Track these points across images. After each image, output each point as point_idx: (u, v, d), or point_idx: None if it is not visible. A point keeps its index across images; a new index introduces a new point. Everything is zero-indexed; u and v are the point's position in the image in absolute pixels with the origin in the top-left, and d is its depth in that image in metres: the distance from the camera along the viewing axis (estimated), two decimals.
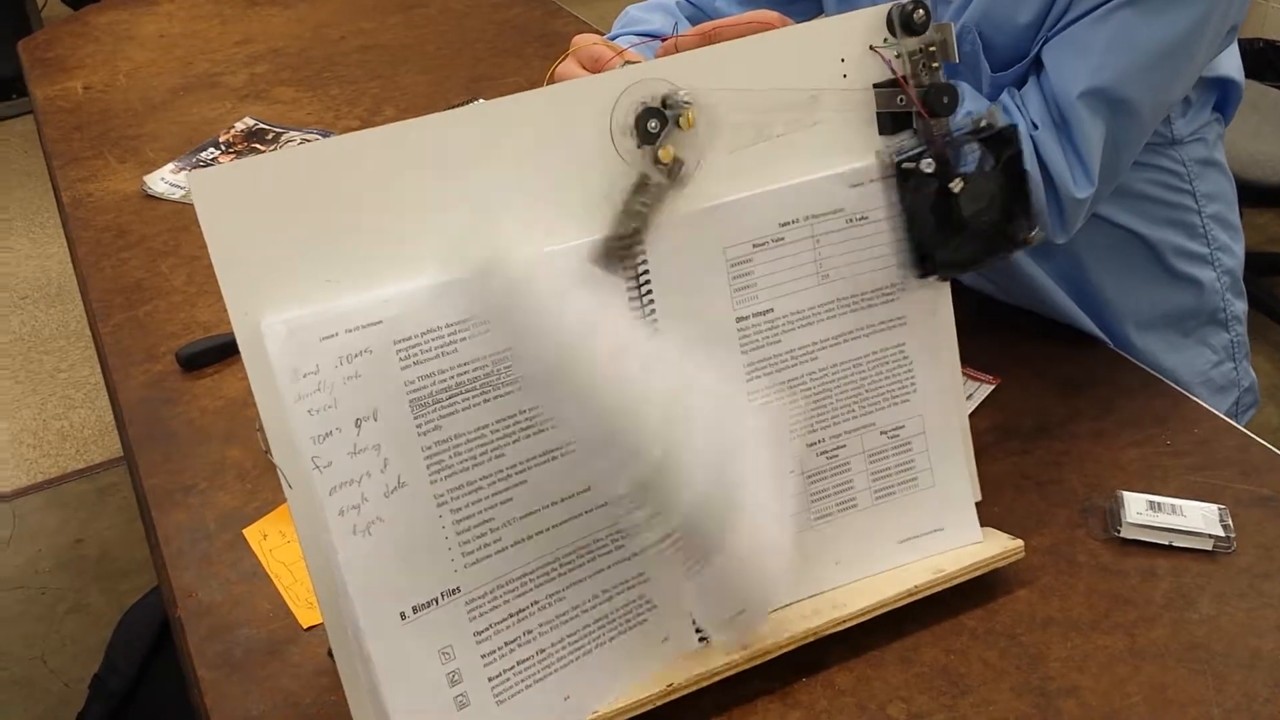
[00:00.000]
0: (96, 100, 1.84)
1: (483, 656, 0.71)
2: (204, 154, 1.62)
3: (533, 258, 0.71)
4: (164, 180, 1.55)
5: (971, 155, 0.79)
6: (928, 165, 0.78)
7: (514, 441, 0.72)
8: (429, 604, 0.69)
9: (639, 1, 1.25)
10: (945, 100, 0.78)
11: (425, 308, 0.69)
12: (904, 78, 0.79)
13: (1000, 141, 0.79)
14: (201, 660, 0.86)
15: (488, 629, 0.71)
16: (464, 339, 0.69)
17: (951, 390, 0.86)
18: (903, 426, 0.85)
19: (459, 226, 0.71)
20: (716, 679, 0.79)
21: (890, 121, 0.80)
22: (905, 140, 0.80)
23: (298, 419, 0.65)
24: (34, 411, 2.70)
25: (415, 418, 0.68)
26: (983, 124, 0.79)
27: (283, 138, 1.66)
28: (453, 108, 1.52)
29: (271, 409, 0.66)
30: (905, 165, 0.78)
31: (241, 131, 1.67)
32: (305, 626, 0.88)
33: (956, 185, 0.77)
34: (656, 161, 0.74)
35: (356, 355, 0.66)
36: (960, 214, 0.78)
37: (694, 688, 0.78)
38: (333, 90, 1.82)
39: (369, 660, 0.68)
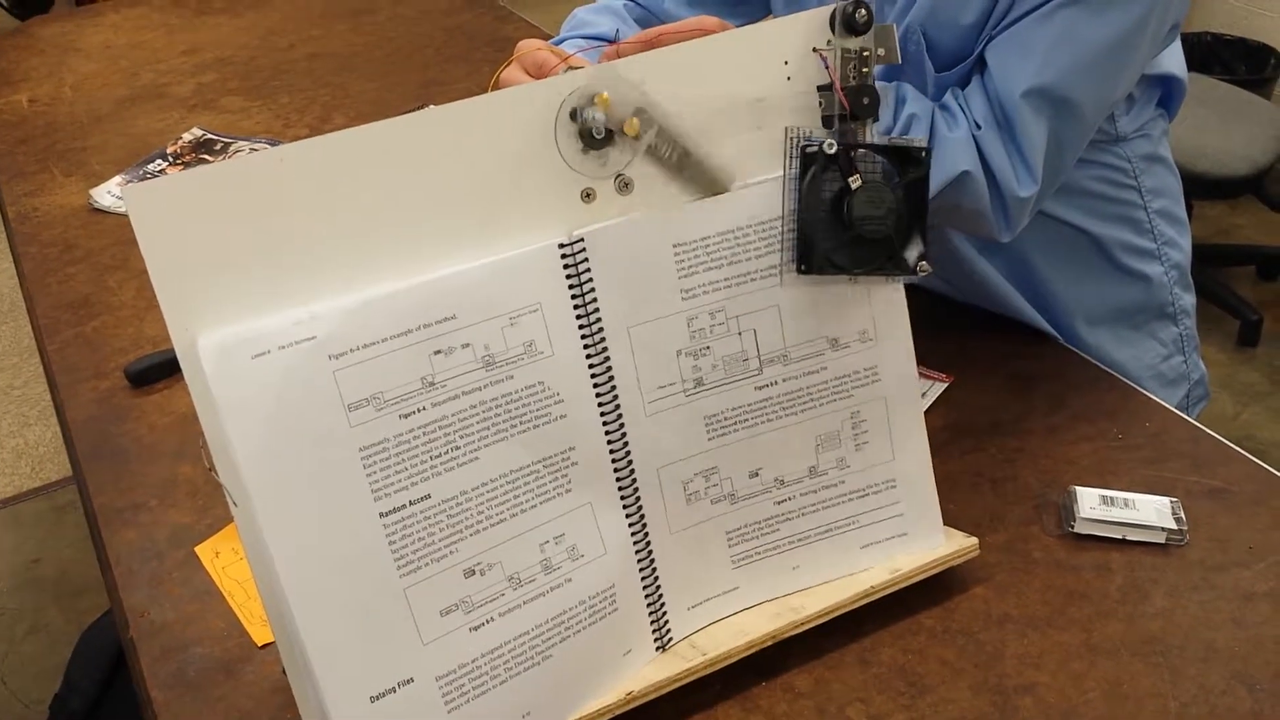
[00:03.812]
0: (42, 113, 1.82)
1: (434, 655, 0.70)
2: (151, 166, 1.60)
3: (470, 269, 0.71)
4: (110, 194, 1.53)
5: (890, 171, 0.79)
6: (829, 146, 0.77)
7: (458, 461, 0.71)
8: (378, 618, 0.69)
9: (587, 4, 1.24)
10: (866, 102, 0.78)
11: (361, 322, 0.68)
12: (837, 80, 0.78)
13: (909, 159, 0.79)
14: (155, 681, 0.85)
15: (439, 636, 0.70)
16: (402, 352, 0.69)
17: (911, 395, 0.85)
18: (863, 433, 0.84)
19: (401, 237, 0.70)
20: (675, 686, 0.78)
21: (835, 124, 0.80)
22: (821, 133, 0.79)
23: (235, 438, 0.64)
24: None
25: (354, 432, 0.67)
26: (902, 140, 0.79)
27: (231, 148, 1.64)
28: (403, 114, 1.51)
29: (213, 426, 0.65)
30: (809, 150, 0.78)
31: (189, 142, 1.66)
32: (259, 644, 0.87)
33: (855, 182, 0.77)
34: (635, 138, 0.74)
35: (290, 372, 0.66)
36: (852, 214, 0.78)
37: (653, 695, 0.78)
38: (281, 99, 1.81)
39: (315, 682, 0.67)
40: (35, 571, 2.29)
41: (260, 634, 0.87)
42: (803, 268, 0.79)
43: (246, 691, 0.83)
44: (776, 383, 0.81)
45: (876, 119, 0.78)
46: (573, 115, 0.73)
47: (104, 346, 1.24)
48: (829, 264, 0.79)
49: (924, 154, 0.79)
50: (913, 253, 0.80)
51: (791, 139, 0.78)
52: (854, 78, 0.78)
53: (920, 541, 0.86)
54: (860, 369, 0.83)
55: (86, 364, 1.21)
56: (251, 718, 0.81)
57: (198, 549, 0.96)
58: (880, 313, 0.83)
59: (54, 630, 2.14)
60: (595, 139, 0.74)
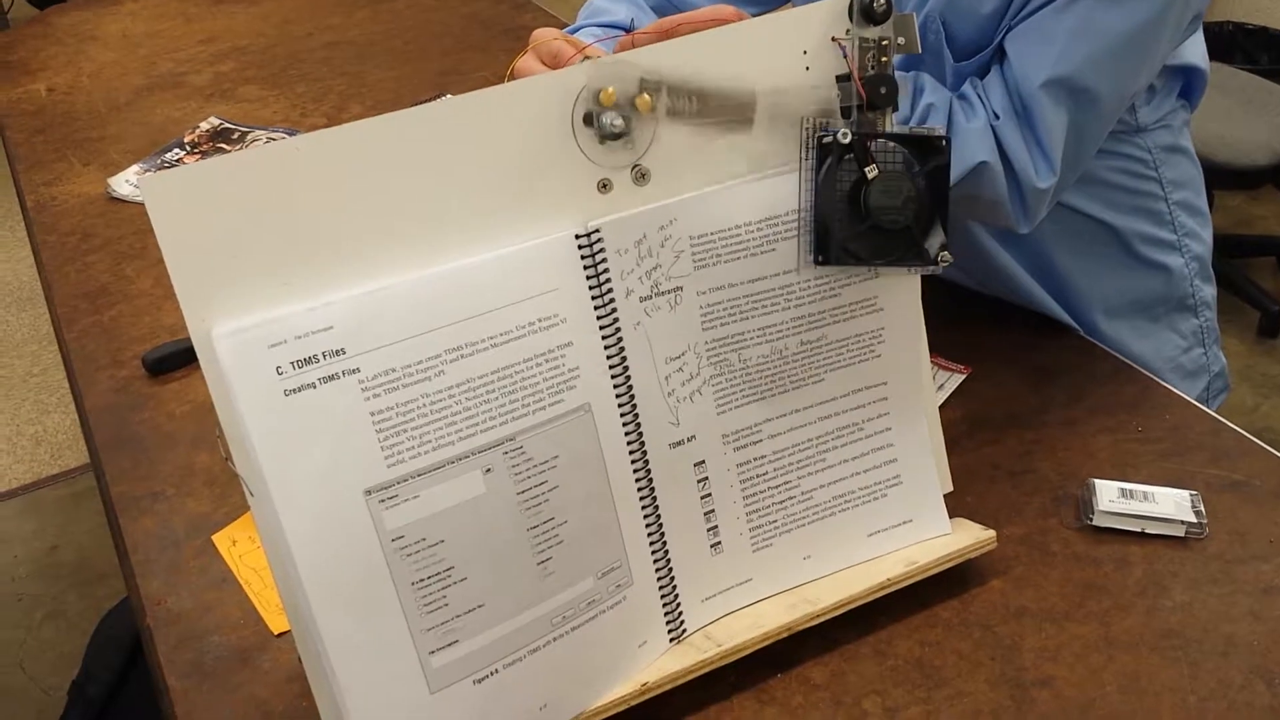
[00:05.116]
0: (60, 102, 1.83)
1: (450, 645, 0.71)
2: (169, 155, 1.61)
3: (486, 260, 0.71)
4: (128, 182, 1.53)
5: (909, 161, 0.78)
6: (844, 136, 0.77)
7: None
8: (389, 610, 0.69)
9: None
10: (883, 91, 0.77)
11: (378, 311, 0.68)
12: (855, 69, 0.78)
13: (929, 148, 0.78)
14: (171, 669, 0.85)
15: (448, 621, 0.70)
16: (416, 340, 0.69)
17: (919, 381, 0.86)
18: (869, 418, 0.84)
19: (416, 227, 0.70)
20: (691, 677, 0.78)
21: (853, 114, 0.79)
22: (839, 123, 0.79)
23: (251, 428, 0.64)
24: (7, 417, 2.68)
25: (374, 426, 0.67)
26: (921, 129, 0.79)
27: (248, 137, 1.64)
28: (420, 103, 1.51)
29: (229, 416, 0.65)
30: (825, 140, 0.77)
31: (207, 131, 1.66)
32: (276, 633, 0.87)
33: (871, 172, 0.77)
34: (652, 110, 0.74)
35: (306, 362, 0.66)
36: (867, 204, 0.77)
37: (668, 686, 0.78)
38: (299, 88, 1.81)
39: (333, 673, 0.67)
40: (54, 558, 2.30)
41: (277, 622, 0.87)
42: (820, 258, 0.79)
43: (263, 680, 0.83)
44: (786, 370, 0.81)
45: (895, 108, 0.78)
46: (587, 120, 0.73)
47: (122, 335, 1.24)
48: (846, 254, 0.79)
49: (944, 143, 0.78)
50: (933, 243, 0.79)
51: (808, 129, 0.78)
52: (872, 67, 0.78)
53: (924, 528, 0.86)
54: (867, 355, 0.83)
55: (104, 352, 1.21)
56: (268, 706, 0.81)
57: (215, 537, 0.96)
58: (889, 300, 0.83)
59: (72, 616, 2.16)
60: (613, 132, 0.73)
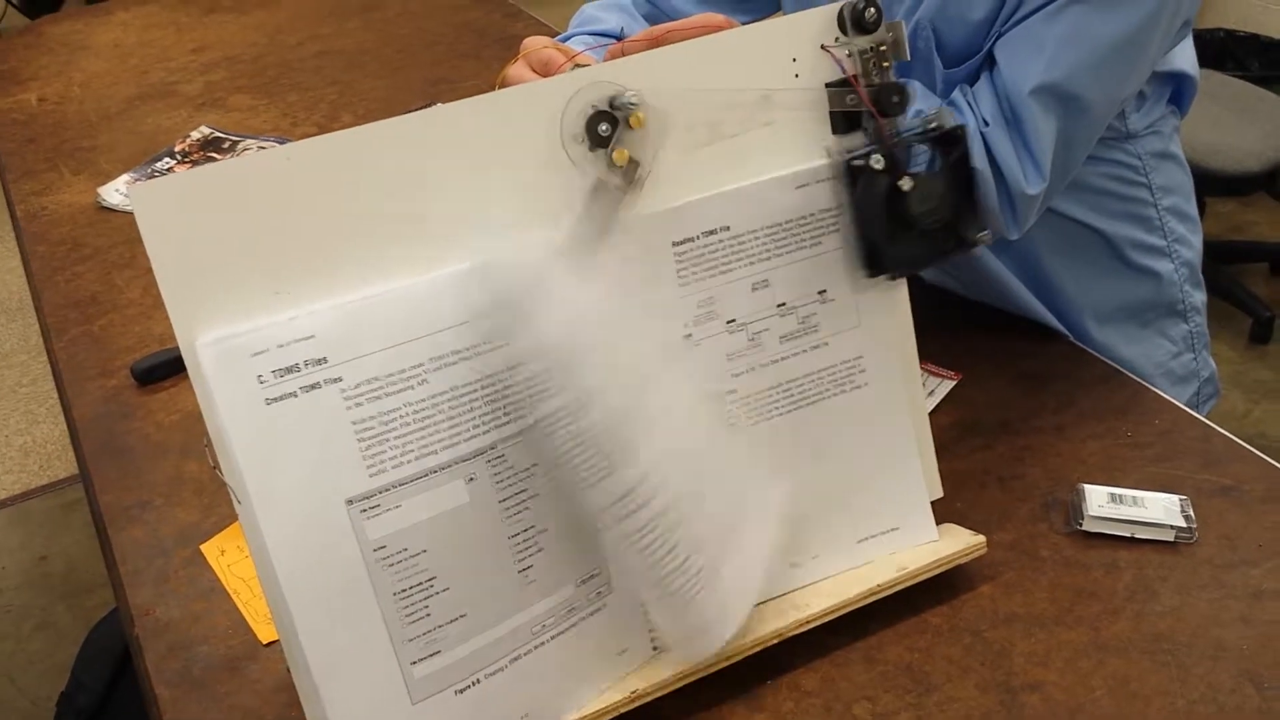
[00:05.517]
0: (51, 112, 1.82)
1: (432, 655, 0.70)
2: (159, 164, 1.61)
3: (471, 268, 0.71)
4: (119, 192, 1.53)
5: (920, 155, 0.79)
6: (877, 162, 0.77)
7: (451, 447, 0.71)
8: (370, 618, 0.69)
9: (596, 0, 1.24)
10: (895, 99, 0.78)
11: (360, 320, 0.68)
12: (855, 77, 0.78)
13: (949, 141, 0.79)
14: (160, 678, 0.85)
15: (430, 632, 0.70)
16: (402, 348, 0.68)
17: (908, 387, 0.86)
18: (856, 426, 0.84)
19: (406, 235, 0.70)
20: (681, 684, 0.78)
21: (843, 121, 0.79)
22: (855, 139, 0.79)
23: (233, 437, 0.64)
24: None
25: (355, 435, 0.67)
26: (932, 124, 0.79)
27: (239, 146, 1.64)
28: (410, 112, 1.51)
29: (215, 424, 0.65)
30: (855, 163, 0.78)
31: (197, 140, 1.66)
32: (264, 642, 0.86)
33: (906, 184, 0.77)
34: (611, 165, 0.73)
35: (288, 371, 0.65)
36: (910, 213, 0.78)
37: (658, 694, 0.78)
38: (290, 97, 1.81)
39: (314, 683, 0.67)
40: (43, 568, 2.30)
41: (265, 632, 0.87)
42: (872, 271, 0.80)
43: (252, 689, 0.83)
44: (769, 378, 0.81)
45: (905, 115, 0.78)
46: (611, 102, 0.73)
47: (111, 344, 1.24)
48: (897, 263, 0.80)
49: (961, 130, 0.79)
50: (972, 228, 0.80)
51: (835, 160, 0.78)
52: (876, 75, 0.78)
53: (913, 534, 0.86)
54: (848, 361, 0.83)
55: (93, 362, 1.21)
56: (257, 715, 0.81)
57: (203, 547, 0.96)
58: (879, 307, 0.83)
59: (61, 627, 2.15)
60: (601, 136, 0.73)
